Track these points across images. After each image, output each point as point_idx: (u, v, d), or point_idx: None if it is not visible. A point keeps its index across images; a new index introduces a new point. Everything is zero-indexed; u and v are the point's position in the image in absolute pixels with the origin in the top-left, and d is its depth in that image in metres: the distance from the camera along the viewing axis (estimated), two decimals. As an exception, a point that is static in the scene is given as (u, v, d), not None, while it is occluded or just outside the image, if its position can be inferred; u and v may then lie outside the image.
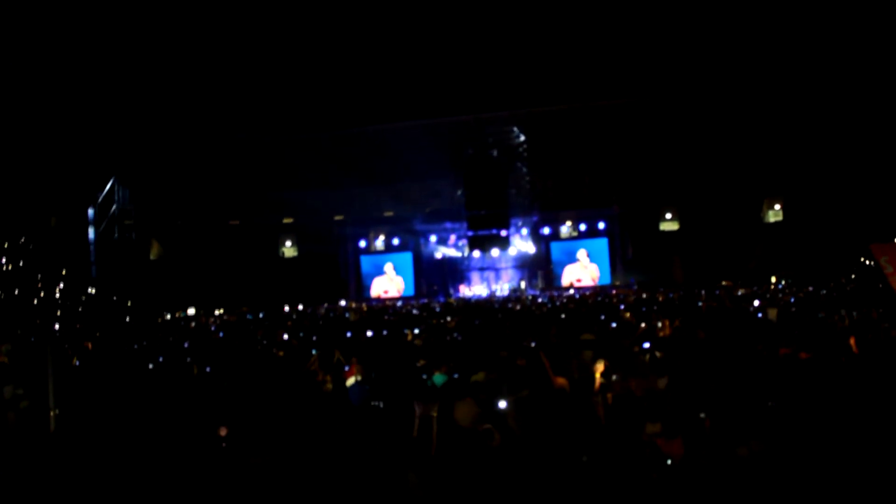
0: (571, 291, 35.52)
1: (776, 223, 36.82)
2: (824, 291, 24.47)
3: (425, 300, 34.79)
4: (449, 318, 19.75)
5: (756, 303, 19.90)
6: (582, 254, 39.07)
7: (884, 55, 27.09)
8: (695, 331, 12.33)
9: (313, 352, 11.35)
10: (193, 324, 25.39)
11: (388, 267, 40.78)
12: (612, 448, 5.49)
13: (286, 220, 41.06)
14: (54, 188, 32.00)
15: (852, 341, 9.93)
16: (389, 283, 40.66)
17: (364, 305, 32.43)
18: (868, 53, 27.43)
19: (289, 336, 16.27)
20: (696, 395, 6.82)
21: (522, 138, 37.55)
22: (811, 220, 32.61)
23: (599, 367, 8.83)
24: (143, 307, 31.38)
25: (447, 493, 4.68)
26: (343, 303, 35.47)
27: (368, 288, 40.86)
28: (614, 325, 15.05)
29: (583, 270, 38.94)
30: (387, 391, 8.46)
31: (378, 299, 38.81)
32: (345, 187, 37.89)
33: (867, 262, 25.93)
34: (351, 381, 9.71)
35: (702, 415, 5.90)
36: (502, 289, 38.43)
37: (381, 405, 7.93)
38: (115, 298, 32.08)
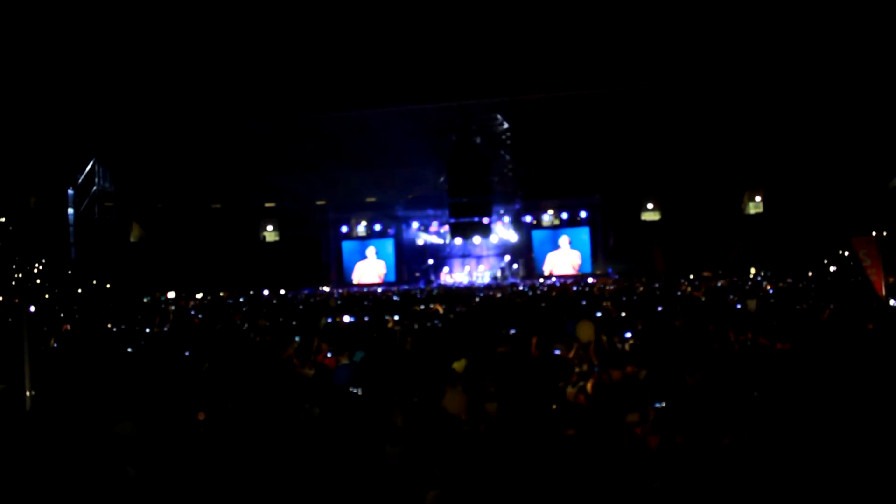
0: (553, 280, 35.59)
1: (757, 215, 37.13)
2: (802, 284, 24.64)
3: (406, 287, 34.76)
4: (432, 306, 19.68)
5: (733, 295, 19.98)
6: (564, 240, 39.18)
7: (865, 49, 27.25)
8: (673, 321, 12.39)
9: (296, 339, 11.28)
10: (173, 307, 25.25)
11: (370, 251, 40.73)
12: (591, 437, 5.51)
13: (268, 204, 40.93)
14: (34, 168, 31.69)
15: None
16: (370, 268, 40.58)
17: (345, 292, 32.40)
18: (849, 47, 27.57)
19: (268, 321, 16.19)
20: (673, 385, 6.86)
21: (506, 126, 37.50)
22: (792, 212, 32.84)
23: (570, 352, 8.90)
24: (122, 290, 31.17)
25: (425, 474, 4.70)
26: (326, 289, 35.42)
27: (350, 273, 40.79)
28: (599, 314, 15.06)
29: (563, 257, 39.04)
30: (370, 377, 8.41)
31: (359, 285, 38.73)
32: (327, 172, 37.73)
33: (846, 255, 26.16)
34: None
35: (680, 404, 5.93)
36: (483, 276, 38.47)
37: (360, 392, 7.88)
38: (94, 281, 31.86)
